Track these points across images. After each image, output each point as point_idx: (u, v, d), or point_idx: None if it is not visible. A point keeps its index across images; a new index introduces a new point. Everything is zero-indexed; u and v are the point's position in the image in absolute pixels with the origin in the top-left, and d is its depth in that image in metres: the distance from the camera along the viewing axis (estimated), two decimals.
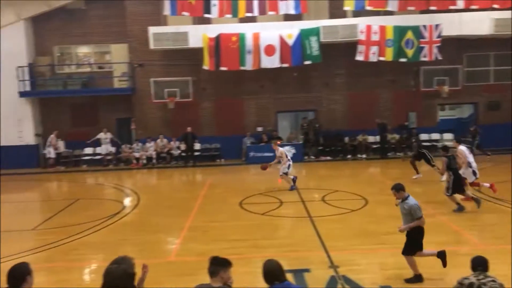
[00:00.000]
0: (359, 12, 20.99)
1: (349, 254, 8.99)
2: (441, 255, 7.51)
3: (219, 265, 4.39)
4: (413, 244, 7.38)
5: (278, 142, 16.37)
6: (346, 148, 21.94)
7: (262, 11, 20.27)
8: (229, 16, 20.29)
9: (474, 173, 12.22)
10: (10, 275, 4.12)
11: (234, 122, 22.46)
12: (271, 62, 20.48)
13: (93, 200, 15.16)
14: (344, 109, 22.73)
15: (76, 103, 22.75)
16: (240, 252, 9.20)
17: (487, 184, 12.50)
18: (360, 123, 22.10)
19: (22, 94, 21.75)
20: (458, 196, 11.90)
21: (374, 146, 21.94)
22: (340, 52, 21.91)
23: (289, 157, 15.36)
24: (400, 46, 20.61)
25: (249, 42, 20.24)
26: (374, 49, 20.54)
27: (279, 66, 20.59)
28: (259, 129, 22.54)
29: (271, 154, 20.98)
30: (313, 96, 22.69)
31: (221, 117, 22.54)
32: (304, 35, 20.31)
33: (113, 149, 21.90)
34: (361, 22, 20.51)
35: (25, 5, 21.48)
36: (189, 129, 21.32)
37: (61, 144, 22.16)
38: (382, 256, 8.88)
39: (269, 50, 20.37)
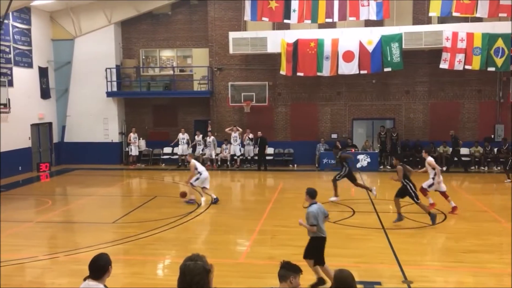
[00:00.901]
0: (445, 18, 20.14)
1: (424, 270, 8.59)
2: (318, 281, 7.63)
3: (290, 270, 4.35)
4: (310, 250, 7.58)
5: (192, 156, 15.20)
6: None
7: (343, 17, 20.02)
8: (308, 21, 20.25)
9: (430, 185, 12.78)
10: (94, 265, 4.22)
11: (308, 128, 22.35)
12: (349, 68, 20.14)
13: (170, 198, 15.70)
14: (424, 119, 21.84)
15: (158, 104, 23.78)
16: None
17: (453, 204, 12.65)
18: (442, 134, 21.07)
19: (109, 94, 23.11)
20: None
21: (456, 158, 20.82)
22: (423, 59, 21.13)
23: (199, 170, 14.30)
24: (489, 55, 19.42)
25: (327, 48, 20.02)
26: (460, 57, 19.53)
27: (357, 72, 20.20)
28: (334, 136, 22.27)
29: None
30: (392, 104, 22.02)
31: (295, 123, 22.52)
32: (385, 41, 19.76)
33: (190, 150, 22.51)
34: (447, 29, 19.60)
35: (116, 9, 22.86)
36: (259, 133, 21.51)
37: (142, 143, 23.24)
38: (460, 274, 8.40)
39: (348, 56, 20.03)
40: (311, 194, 7.71)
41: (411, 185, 11.64)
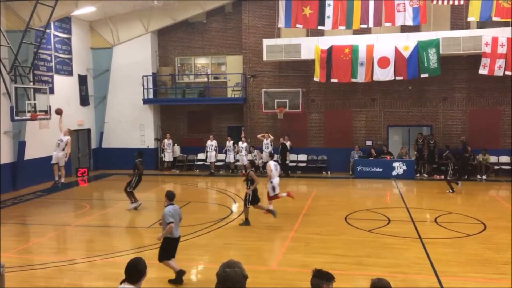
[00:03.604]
0: (484, 23, 19.61)
1: (463, 282, 8.33)
2: (178, 274, 8.30)
3: (322, 279, 4.28)
4: (163, 251, 8.32)
5: None
6: (464, 168, 20.40)
7: (378, 23, 19.78)
8: (342, 27, 20.10)
9: (273, 188, 13.49)
10: (133, 269, 4.24)
11: (342, 135, 22.13)
12: (385, 74, 19.84)
13: (203, 204, 15.84)
14: (463, 126, 21.26)
15: (192, 111, 24.09)
16: (343, 268, 8.99)
17: (284, 194, 13.90)
18: (481, 141, 20.45)
19: (145, 101, 23.57)
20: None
21: (497, 167, 20.18)
22: (461, 65, 20.66)
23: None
24: None
25: (362, 54, 19.81)
26: (501, 62, 18.96)
27: (393, 79, 19.88)
28: (368, 143, 21.96)
29: (380, 170, 20.54)
30: (429, 111, 21.55)
31: (329, 129, 22.35)
32: (421, 47, 19.38)
33: (217, 156, 22.52)
34: (486, 34, 19.07)
35: (152, 19, 23.32)
36: (281, 139, 21.44)
37: (177, 149, 23.56)
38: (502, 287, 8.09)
39: (383, 62, 19.75)
40: (169, 196, 8.50)
41: (254, 191, 12.48)
